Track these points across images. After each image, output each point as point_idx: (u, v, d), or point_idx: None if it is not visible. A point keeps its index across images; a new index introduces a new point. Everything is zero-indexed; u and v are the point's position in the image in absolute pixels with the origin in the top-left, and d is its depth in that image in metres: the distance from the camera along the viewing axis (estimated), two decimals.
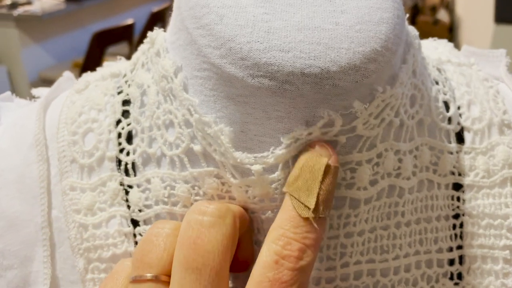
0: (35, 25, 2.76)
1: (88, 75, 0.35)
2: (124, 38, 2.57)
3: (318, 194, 0.24)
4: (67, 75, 0.38)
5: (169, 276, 0.24)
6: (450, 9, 3.12)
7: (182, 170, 0.28)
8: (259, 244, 0.28)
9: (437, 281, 0.30)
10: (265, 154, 0.26)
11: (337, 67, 0.24)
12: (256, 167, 0.26)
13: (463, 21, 2.89)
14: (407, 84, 0.28)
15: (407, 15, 0.30)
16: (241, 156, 0.26)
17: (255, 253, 0.29)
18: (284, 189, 0.25)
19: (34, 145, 0.31)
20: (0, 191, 0.31)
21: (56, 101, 0.34)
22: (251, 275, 0.23)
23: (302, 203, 0.24)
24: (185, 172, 0.28)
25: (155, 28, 0.32)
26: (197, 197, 0.28)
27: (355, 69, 0.25)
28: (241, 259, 0.27)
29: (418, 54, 0.30)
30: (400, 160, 0.28)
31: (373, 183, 0.27)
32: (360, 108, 0.25)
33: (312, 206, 0.24)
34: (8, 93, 0.38)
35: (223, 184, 0.27)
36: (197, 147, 0.27)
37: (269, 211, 0.27)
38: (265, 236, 0.27)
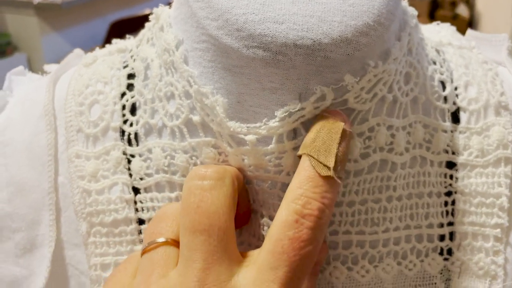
0: (55, 14, 2.80)
1: (96, 51, 0.37)
2: (142, 28, 2.59)
3: (336, 154, 0.25)
4: (77, 51, 0.39)
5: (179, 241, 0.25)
6: (470, 4, 3.07)
7: (182, 140, 0.29)
8: (254, 213, 0.29)
9: (426, 255, 0.31)
10: (258, 124, 0.27)
11: (329, 39, 0.25)
12: (250, 137, 0.27)
13: (483, 16, 2.85)
14: (402, 61, 0.29)
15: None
16: (234, 125, 0.27)
17: (252, 221, 0.30)
18: (300, 152, 0.25)
19: (43, 115, 0.33)
20: (10, 158, 0.32)
21: (65, 75, 0.36)
22: (268, 234, 0.24)
23: (321, 163, 0.24)
24: (184, 142, 0.29)
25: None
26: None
27: (346, 42, 0.25)
28: (241, 213, 0.28)
29: (414, 33, 0.30)
30: (392, 136, 0.29)
31: (364, 156, 0.28)
32: (351, 81, 0.26)
33: (331, 164, 0.24)
34: (21, 67, 0.39)
35: (220, 154, 0.28)
36: (196, 118, 0.28)
37: (263, 182, 0.28)
38: (260, 206, 0.29)
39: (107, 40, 2.65)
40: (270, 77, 0.26)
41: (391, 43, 0.28)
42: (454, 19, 2.92)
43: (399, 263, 0.30)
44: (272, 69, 0.26)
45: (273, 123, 0.26)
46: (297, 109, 0.26)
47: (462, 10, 3.07)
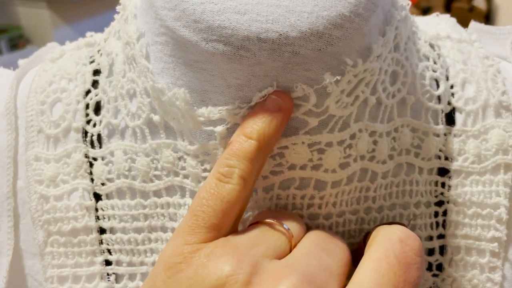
0: (67, 7, 2.80)
1: (65, 45, 0.34)
2: None
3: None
4: (51, 45, 0.37)
5: None
6: None
7: (143, 142, 0.27)
8: None
9: None
10: (230, 107, 0.24)
11: (297, 32, 0.22)
12: (219, 128, 0.24)
13: (500, 9, 2.76)
14: (387, 58, 0.26)
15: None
16: (205, 111, 0.24)
17: None
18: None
19: (4, 114, 0.31)
20: None
21: (32, 70, 0.33)
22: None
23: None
24: (145, 144, 0.27)
25: None
26: (156, 172, 0.27)
27: (317, 35, 0.22)
28: None
29: (402, 26, 0.27)
30: (375, 142, 0.26)
31: (343, 166, 0.25)
32: (331, 80, 0.23)
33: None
34: None
35: (179, 159, 0.26)
36: (156, 117, 0.26)
37: None
38: None
39: None
40: (234, 73, 0.23)
41: (372, 38, 0.25)
42: (471, 12, 2.84)
43: None
44: (235, 65, 0.23)
45: (248, 108, 0.24)
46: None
47: (479, 2, 2.99)
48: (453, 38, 0.33)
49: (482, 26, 0.36)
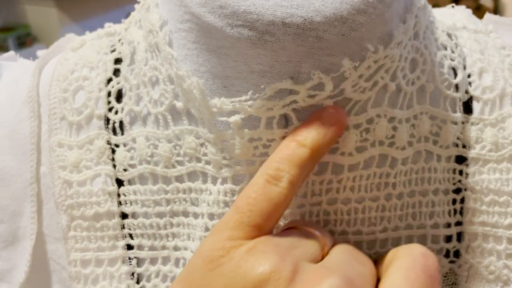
0: (74, 5, 2.82)
1: (85, 35, 0.35)
2: None
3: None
4: (69, 36, 0.38)
5: None
6: None
7: (166, 128, 0.27)
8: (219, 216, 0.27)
9: None
10: (243, 98, 0.24)
11: (321, 17, 0.23)
12: (234, 118, 0.24)
13: (507, 7, 2.75)
14: (407, 46, 0.26)
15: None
16: (217, 102, 0.25)
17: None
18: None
19: (27, 102, 0.31)
20: None
21: (53, 60, 0.34)
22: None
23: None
24: (168, 131, 0.27)
25: None
26: (178, 158, 0.27)
27: (341, 20, 0.23)
28: None
29: (422, 14, 0.27)
30: (394, 128, 0.26)
31: (360, 149, 0.26)
32: (350, 66, 0.24)
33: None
34: (12, 52, 0.38)
35: (201, 145, 0.26)
36: (179, 104, 0.26)
37: (244, 181, 0.26)
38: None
39: None
40: (257, 59, 0.24)
41: (393, 25, 0.25)
42: (478, 10, 2.83)
43: None
44: (259, 50, 0.23)
45: (261, 100, 0.24)
46: (289, 89, 0.24)
47: (486, 0, 2.98)
48: (469, 28, 0.33)
49: (497, 17, 0.36)
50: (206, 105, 0.25)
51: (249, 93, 0.24)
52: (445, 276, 0.29)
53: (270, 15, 0.23)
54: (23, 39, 2.68)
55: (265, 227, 0.22)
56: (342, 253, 0.23)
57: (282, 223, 0.26)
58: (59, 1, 2.72)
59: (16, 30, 2.66)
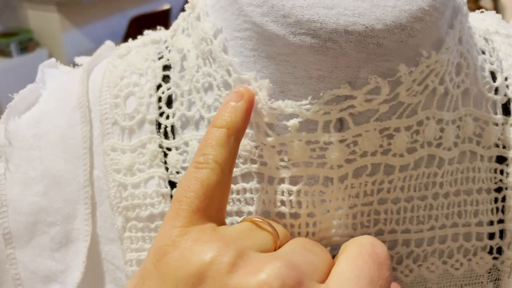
0: (76, 10, 2.83)
1: (129, 42, 0.36)
2: (161, 23, 2.60)
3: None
4: (108, 43, 0.39)
5: None
6: None
7: None
8: (280, 216, 0.28)
9: (474, 254, 0.29)
10: (303, 102, 0.25)
11: (382, 25, 0.24)
12: (292, 122, 0.26)
13: (507, 9, 2.77)
14: (453, 51, 0.27)
15: None
16: (279, 104, 0.26)
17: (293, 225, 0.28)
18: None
19: (77, 107, 0.32)
20: (45, 150, 0.32)
21: (98, 66, 0.35)
22: None
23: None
24: None
25: None
26: None
27: (400, 27, 0.24)
28: None
29: (465, 21, 0.29)
30: (442, 130, 0.28)
31: (411, 151, 0.27)
32: (406, 71, 0.25)
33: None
34: (53, 59, 0.39)
35: (256, 147, 0.27)
36: None
37: (301, 182, 0.27)
38: (298, 207, 0.27)
39: (127, 35, 2.68)
40: (317, 65, 0.25)
41: (444, 31, 0.26)
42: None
43: (444, 262, 0.29)
44: (320, 56, 0.24)
45: (319, 104, 0.25)
46: (346, 95, 0.25)
47: (486, 2, 3.00)
48: (502, 33, 0.34)
49: None
50: (269, 107, 0.26)
51: (308, 98, 0.25)
52: (489, 272, 0.30)
53: (333, 23, 0.24)
54: (25, 44, 2.69)
55: (206, 209, 0.23)
56: (293, 244, 0.23)
57: (309, 225, 0.27)
58: (61, 6, 2.73)
59: (18, 35, 2.67)
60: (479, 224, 0.29)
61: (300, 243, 0.24)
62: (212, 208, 0.23)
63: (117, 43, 0.38)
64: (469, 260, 0.29)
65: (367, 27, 0.24)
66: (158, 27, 0.39)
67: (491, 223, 0.29)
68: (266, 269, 0.20)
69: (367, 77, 0.25)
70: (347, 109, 0.25)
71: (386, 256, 0.23)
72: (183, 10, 0.33)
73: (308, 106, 0.25)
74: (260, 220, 0.24)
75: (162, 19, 2.66)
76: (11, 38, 2.64)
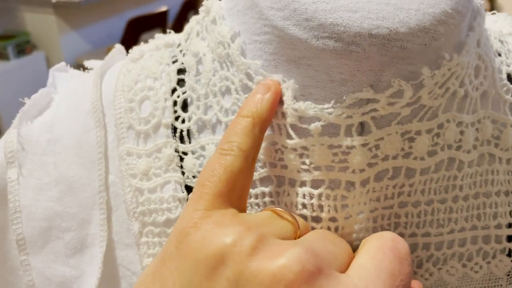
0: (73, 12, 2.82)
1: (141, 46, 0.36)
2: (158, 25, 2.60)
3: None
4: (119, 47, 0.39)
5: None
6: None
7: None
8: (302, 218, 0.27)
9: (494, 257, 0.29)
10: (325, 106, 0.25)
11: (406, 28, 0.24)
12: (314, 125, 0.25)
13: (503, 9, 2.79)
14: (472, 53, 0.27)
15: None
16: (302, 105, 0.26)
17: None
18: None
19: (91, 112, 0.32)
20: (59, 155, 0.32)
21: (110, 70, 0.35)
22: None
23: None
24: None
25: (188, 15, 0.32)
26: None
27: (424, 31, 0.24)
28: None
29: (482, 23, 0.29)
30: (461, 132, 0.27)
31: (431, 154, 0.27)
32: (428, 74, 0.25)
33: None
34: (63, 63, 0.39)
35: (276, 151, 0.27)
36: None
37: (323, 186, 0.26)
38: (320, 211, 0.27)
39: (125, 38, 2.67)
40: (340, 68, 0.25)
41: (464, 33, 0.26)
42: None
43: (464, 265, 0.29)
44: (343, 60, 0.24)
45: (342, 108, 0.25)
46: (368, 98, 0.25)
47: (482, 3, 3.01)
48: None
49: None
50: (292, 108, 0.26)
51: (331, 102, 0.25)
52: (508, 275, 0.30)
53: (357, 26, 0.24)
54: (22, 46, 2.68)
55: (228, 194, 0.23)
56: (313, 234, 0.24)
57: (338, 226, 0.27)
58: (58, 9, 2.72)
59: (15, 38, 2.66)
60: (498, 226, 0.29)
61: (320, 233, 0.24)
62: (235, 194, 0.24)
63: (110, 46, 0.38)
64: (488, 263, 0.29)
65: (391, 30, 0.24)
66: (168, 31, 0.39)
67: (509, 225, 0.29)
68: (287, 254, 0.20)
69: (389, 80, 0.25)
70: (370, 112, 0.25)
71: (407, 251, 0.23)
72: (180, 12, 0.33)
73: (330, 110, 0.25)
74: (281, 210, 0.24)
75: (160, 21, 2.65)
76: (8, 41, 2.63)
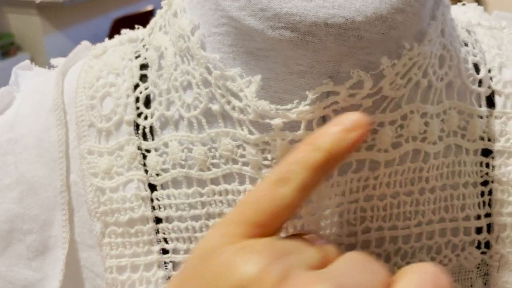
0: (57, 12, 2.79)
1: (105, 42, 0.35)
2: (144, 24, 2.57)
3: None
4: (85, 43, 0.38)
5: None
6: None
7: (200, 131, 0.28)
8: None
9: (463, 249, 0.29)
10: (288, 106, 0.25)
11: (362, 17, 0.23)
12: (276, 121, 0.25)
13: (490, 5, 2.80)
14: (436, 43, 0.27)
15: None
16: (263, 104, 0.25)
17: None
18: None
19: (53, 110, 0.31)
20: (20, 155, 0.31)
21: (74, 67, 0.34)
22: None
23: None
24: (202, 134, 0.28)
25: None
26: (214, 160, 0.27)
27: (381, 19, 0.23)
28: None
29: (447, 12, 0.28)
30: (426, 124, 0.27)
31: (396, 145, 0.26)
32: (388, 64, 0.24)
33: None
34: (27, 61, 0.38)
35: (238, 147, 0.27)
36: (215, 107, 0.27)
37: None
38: None
39: (111, 37, 2.64)
40: (298, 59, 0.24)
41: (426, 22, 0.26)
42: None
43: (433, 258, 0.29)
44: (300, 51, 0.24)
45: (304, 106, 0.24)
46: (329, 91, 0.24)
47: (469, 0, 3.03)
48: (484, 25, 0.34)
49: (506, 14, 0.37)
50: (254, 104, 0.25)
51: (294, 102, 0.25)
52: (478, 267, 0.29)
53: (312, 16, 0.23)
54: (6, 48, 2.65)
55: (267, 227, 0.21)
56: (346, 261, 0.21)
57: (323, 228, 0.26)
58: (42, 10, 2.69)
59: None
60: (466, 218, 0.29)
61: (354, 260, 0.21)
62: (275, 227, 0.22)
63: None
64: (458, 255, 0.29)
65: (347, 19, 0.23)
66: (136, 26, 0.38)
67: (478, 217, 0.29)
68: None
69: (349, 71, 0.24)
70: (331, 105, 0.25)
71: (450, 286, 0.21)
72: None
73: (293, 110, 0.25)
74: (311, 235, 0.23)
75: (145, 20, 2.62)
76: None
